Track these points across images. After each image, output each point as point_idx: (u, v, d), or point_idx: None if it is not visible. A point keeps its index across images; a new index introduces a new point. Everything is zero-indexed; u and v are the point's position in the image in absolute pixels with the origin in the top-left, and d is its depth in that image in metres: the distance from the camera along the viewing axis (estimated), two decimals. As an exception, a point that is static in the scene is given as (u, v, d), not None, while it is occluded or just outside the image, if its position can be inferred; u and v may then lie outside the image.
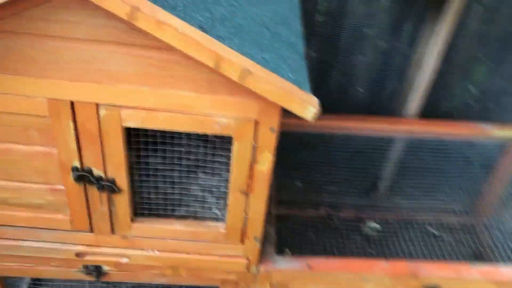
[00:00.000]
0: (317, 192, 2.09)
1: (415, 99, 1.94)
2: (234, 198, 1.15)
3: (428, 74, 1.89)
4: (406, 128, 1.82)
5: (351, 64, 2.04)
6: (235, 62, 0.87)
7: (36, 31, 0.92)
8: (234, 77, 0.88)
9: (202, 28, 0.90)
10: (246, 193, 1.14)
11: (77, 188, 1.14)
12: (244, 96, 0.98)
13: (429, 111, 2.06)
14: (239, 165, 1.09)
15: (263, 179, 1.11)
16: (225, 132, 1.03)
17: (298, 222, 2.03)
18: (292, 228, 1.98)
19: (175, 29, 0.83)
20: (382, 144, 1.95)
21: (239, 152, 1.07)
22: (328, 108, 2.18)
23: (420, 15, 1.88)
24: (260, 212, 1.17)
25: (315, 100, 0.93)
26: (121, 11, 0.81)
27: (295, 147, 2.03)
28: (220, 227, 1.23)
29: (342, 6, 1.88)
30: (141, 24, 0.82)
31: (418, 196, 2.07)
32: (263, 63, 0.94)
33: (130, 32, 0.91)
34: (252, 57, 0.93)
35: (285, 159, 2.02)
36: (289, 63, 1.01)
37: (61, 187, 1.16)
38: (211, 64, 0.87)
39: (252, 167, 1.09)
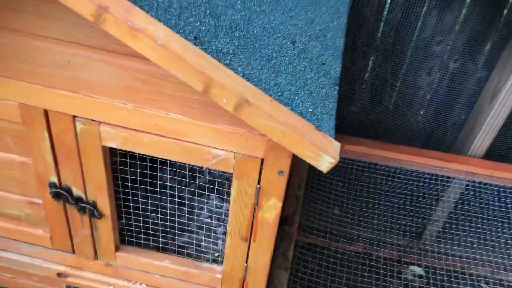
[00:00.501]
0: (356, 224, 1.84)
1: (484, 134, 1.64)
2: (232, 242, 0.95)
3: (504, 105, 1.59)
4: (467, 169, 1.53)
5: (413, 84, 1.77)
6: (228, 88, 0.66)
7: (4, 23, 0.76)
8: (228, 106, 0.68)
9: (197, 39, 0.70)
10: (247, 240, 0.93)
11: (56, 205, 0.99)
12: (248, 128, 0.78)
13: (500, 150, 1.75)
14: (239, 208, 0.88)
15: (268, 228, 0.90)
16: (222, 168, 0.83)
17: (328, 254, 1.80)
18: (320, 261, 1.75)
19: (152, 39, 0.63)
20: (437, 182, 1.67)
21: (239, 193, 0.86)
22: (381, 131, 1.94)
23: (503, 34, 1.57)
24: (263, 263, 0.97)
25: (334, 147, 0.70)
26: (86, 11, 0.63)
27: (337, 171, 1.80)
28: (216, 271, 1.03)
29: (410, 17, 1.61)
30: (109, 28, 0.63)
31: (473, 245, 1.77)
32: (274, 90, 0.73)
33: (111, 36, 0.72)
34: (259, 82, 0.72)
35: (322, 183, 1.80)
36: (311, 91, 0.79)
37: (39, 201, 1.01)
38: (199, 87, 0.67)
39: (255, 212, 0.88)
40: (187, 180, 1.06)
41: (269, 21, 0.86)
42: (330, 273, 1.74)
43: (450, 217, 1.76)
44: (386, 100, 1.85)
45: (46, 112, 0.84)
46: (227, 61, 0.71)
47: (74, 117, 0.83)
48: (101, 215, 0.97)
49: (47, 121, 0.85)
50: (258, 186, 0.84)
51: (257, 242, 0.92)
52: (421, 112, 1.86)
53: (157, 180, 0.97)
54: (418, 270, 1.85)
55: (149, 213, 1.01)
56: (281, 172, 0.81)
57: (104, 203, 0.95)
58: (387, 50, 1.71)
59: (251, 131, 0.78)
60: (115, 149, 0.88)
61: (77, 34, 0.75)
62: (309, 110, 0.75)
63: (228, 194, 0.94)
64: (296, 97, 0.75)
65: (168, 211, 1.01)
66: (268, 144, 0.78)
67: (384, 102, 1.85)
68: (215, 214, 1.08)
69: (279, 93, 0.73)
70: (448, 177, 1.62)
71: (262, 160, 0.81)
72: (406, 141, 1.89)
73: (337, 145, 0.71)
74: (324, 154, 0.69)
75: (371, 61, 1.76)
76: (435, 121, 1.83)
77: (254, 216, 0.89)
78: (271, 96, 0.71)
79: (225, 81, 0.66)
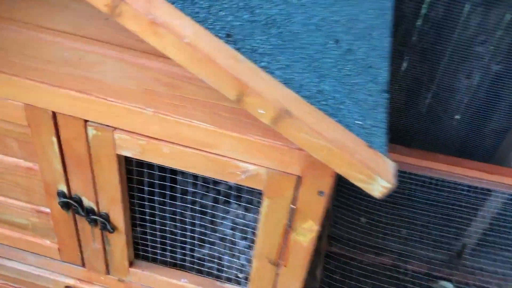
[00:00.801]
0: (384, 235, 1.72)
1: (529, 143, 1.51)
2: (259, 266, 0.84)
3: (551, 113, 1.45)
4: (510, 182, 1.41)
5: (451, 87, 1.64)
6: (266, 97, 0.55)
7: (7, 13, 0.66)
8: (265, 118, 0.57)
9: (229, 37, 0.60)
10: (276, 264, 0.83)
11: (65, 216, 0.90)
12: (284, 141, 0.67)
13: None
14: (269, 228, 0.78)
15: (301, 253, 0.79)
16: (252, 184, 0.73)
17: (354, 266, 1.68)
18: (348, 274, 1.64)
19: (178, 37, 0.53)
20: (475, 194, 1.54)
21: (270, 212, 0.75)
22: (414, 136, 1.82)
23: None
24: (293, 289, 0.86)
25: (389, 168, 0.59)
26: (99, 1, 0.52)
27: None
28: (239, 294, 0.93)
29: (451, 14, 1.48)
30: (126, 22, 0.53)
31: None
32: (317, 98, 0.62)
33: (129, 31, 0.62)
34: (300, 88, 0.61)
35: (350, 192, 1.68)
36: (359, 99, 0.68)
37: (47, 210, 0.91)
38: (231, 95, 0.56)
39: (288, 234, 0.77)
40: (210, 194, 0.96)
41: (309, 17, 0.74)
42: (356, 285, 1.63)
43: (487, 232, 1.64)
44: (420, 103, 1.72)
45: (54, 115, 0.74)
46: (264, 64, 0.60)
47: (86, 121, 0.73)
48: (114, 229, 0.87)
49: (56, 124, 0.75)
50: (293, 206, 0.73)
51: (289, 266, 0.82)
52: (457, 117, 1.73)
53: (175, 188, 0.87)
54: (450, 286, 1.73)
55: (167, 228, 0.92)
56: (321, 193, 0.70)
57: (118, 216, 0.85)
58: (424, 50, 1.59)
59: (288, 145, 0.67)
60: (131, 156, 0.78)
61: (90, 27, 0.65)
62: (357, 122, 0.64)
63: (257, 210, 0.84)
64: (342, 107, 0.64)
65: (187, 226, 0.91)
66: (307, 160, 0.67)
67: (418, 105, 1.73)
68: (239, 230, 0.98)
69: (324, 102, 0.62)
70: (488, 190, 1.50)
71: (298, 177, 0.70)
72: (439, 147, 1.76)
73: (392, 166, 0.60)
74: (378, 177, 0.58)
75: (406, 61, 1.64)
76: (472, 127, 1.70)
77: (286, 239, 0.78)
78: (314, 105, 0.60)
79: (262, 89, 0.56)
